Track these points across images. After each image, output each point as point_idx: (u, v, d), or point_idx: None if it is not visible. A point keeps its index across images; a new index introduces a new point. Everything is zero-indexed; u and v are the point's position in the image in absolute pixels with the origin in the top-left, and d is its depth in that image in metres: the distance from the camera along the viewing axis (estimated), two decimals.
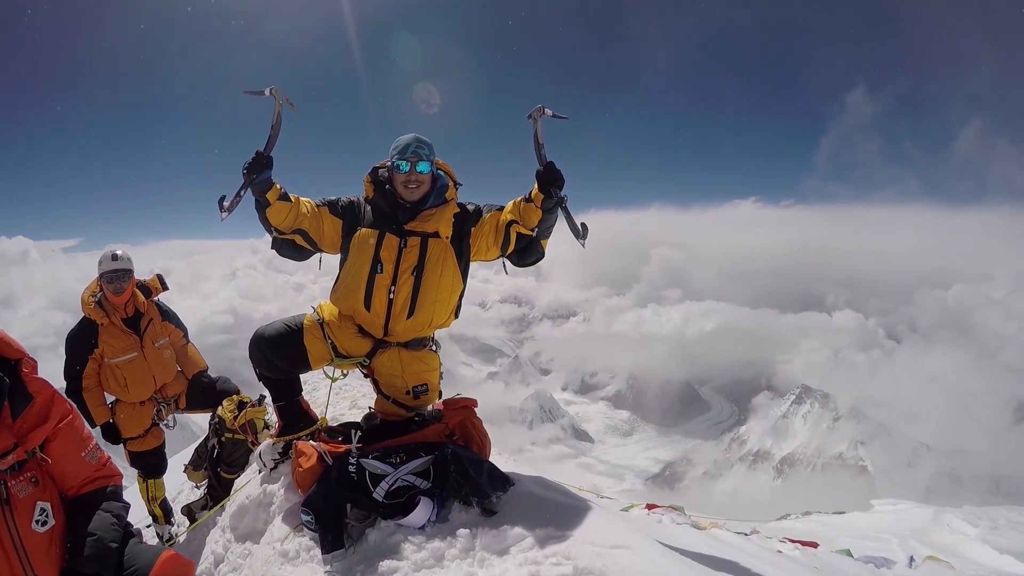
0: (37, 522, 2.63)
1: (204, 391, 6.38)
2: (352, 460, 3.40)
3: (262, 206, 3.66)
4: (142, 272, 5.98)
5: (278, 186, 3.66)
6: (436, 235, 3.78)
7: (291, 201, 3.74)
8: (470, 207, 3.94)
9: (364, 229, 3.81)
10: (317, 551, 3.14)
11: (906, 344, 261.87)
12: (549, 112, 3.80)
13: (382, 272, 3.76)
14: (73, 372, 5.86)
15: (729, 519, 8.17)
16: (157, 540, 6.53)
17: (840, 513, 12.50)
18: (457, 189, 3.96)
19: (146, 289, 6.10)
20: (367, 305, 3.82)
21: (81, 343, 5.84)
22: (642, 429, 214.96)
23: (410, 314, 3.82)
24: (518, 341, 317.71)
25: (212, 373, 6.62)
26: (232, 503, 4.55)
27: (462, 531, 2.95)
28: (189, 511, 6.45)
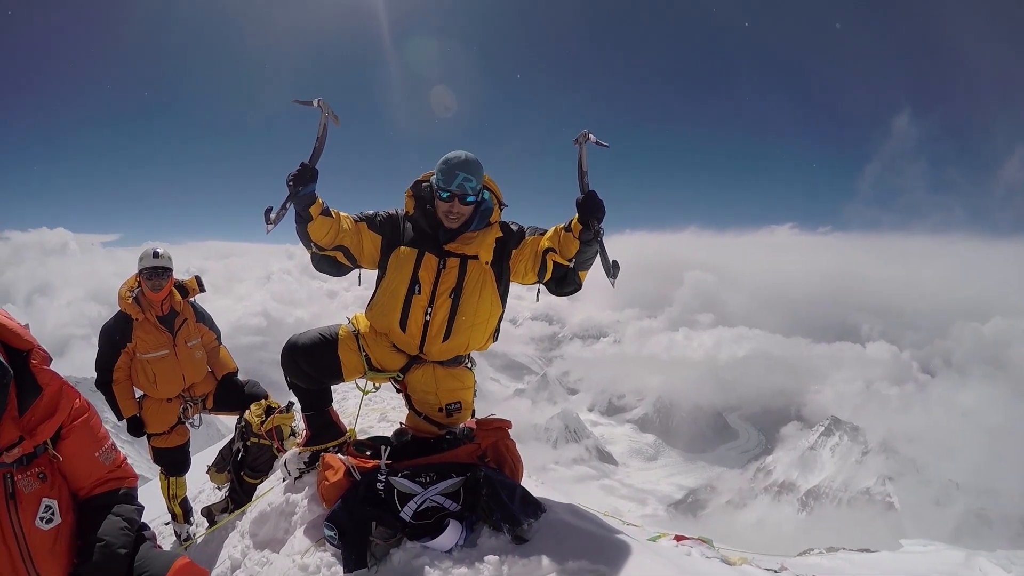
0: (42, 519, 2.56)
1: (232, 393, 6.38)
2: (380, 477, 3.31)
3: (304, 220, 3.57)
4: (179, 270, 6.01)
5: (321, 200, 3.58)
6: (476, 258, 3.69)
7: (332, 216, 3.65)
8: (513, 227, 3.82)
9: (403, 247, 3.74)
10: (338, 568, 3.05)
11: (940, 378, 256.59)
12: (593, 138, 3.62)
13: (419, 293, 3.68)
14: (105, 364, 5.90)
15: (756, 553, 7.96)
16: (175, 538, 6.52)
17: (866, 551, 12.17)
18: (502, 210, 3.85)
19: (183, 289, 6.13)
20: (403, 326, 3.75)
21: (115, 336, 5.86)
22: (667, 454, 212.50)
23: (446, 337, 3.75)
24: (547, 359, 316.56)
25: (242, 376, 6.62)
26: (253, 509, 4.49)
27: (490, 558, 2.84)
28: (209, 513, 6.41)
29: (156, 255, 5.78)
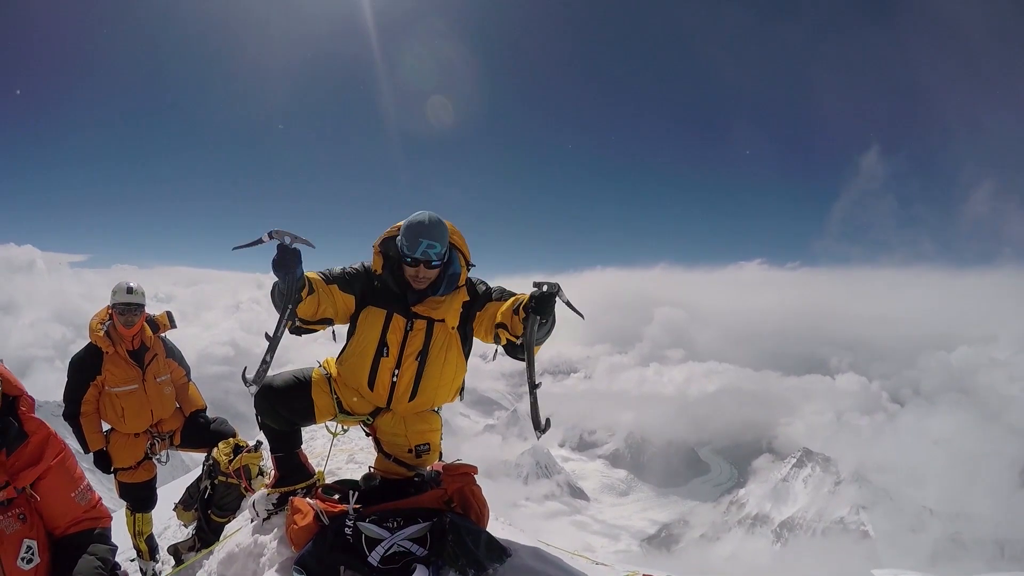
0: (23, 559, 2.62)
1: (200, 430, 6.35)
2: (348, 522, 3.34)
3: (296, 303, 3.47)
4: (148, 296, 6.01)
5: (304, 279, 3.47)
6: (443, 321, 3.72)
7: (314, 290, 3.57)
8: (480, 288, 3.84)
9: (373, 308, 3.74)
10: None
11: (909, 407, 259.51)
12: (566, 298, 3.40)
13: (387, 356, 3.72)
14: (74, 396, 5.87)
15: None
16: None
17: None
18: (469, 270, 3.84)
19: (154, 324, 6.14)
20: (371, 385, 3.79)
21: (85, 368, 5.85)
22: (639, 489, 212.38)
23: (412, 397, 3.80)
24: (517, 395, 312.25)
25: (210, 413, 6.59)
26: (221, 549, 4.47)
27: None
28: (176, 551, 6.33)
29: (130, 291, 5.78)
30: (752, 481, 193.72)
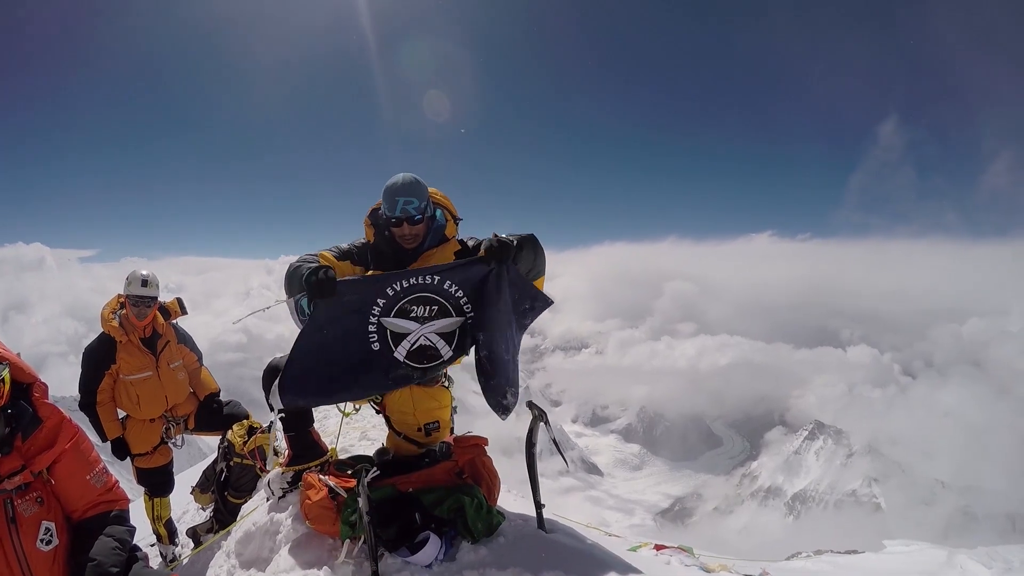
0: (42, 541, 2.69)
1: (214, 414, 6.41)
2: (373, 320, 3.34)
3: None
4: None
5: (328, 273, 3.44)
6: None
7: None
8: (471, 243, 3.91)
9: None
10: None
11: (921, 380, 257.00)
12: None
13: None
14: (89, 386, 5.92)
15: (739, 558, 8.04)
16: (161, 560, 6.52)
17: (852, 552, 12.26)
18: (457, 224, 3.93)
19: (165, 311, 6.18)
20: None
21: (99, 358, 5.89)
22: (652, 463, 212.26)
23: None
24: (529, 372, 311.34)
25: (223, 396, 6.64)
26: (238, 529, 4.53)
27: (469, 573, 2.92)
28: (194, 533, 6.43)
29: (145, 283, 5.79)
30: (764, 454, 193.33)
